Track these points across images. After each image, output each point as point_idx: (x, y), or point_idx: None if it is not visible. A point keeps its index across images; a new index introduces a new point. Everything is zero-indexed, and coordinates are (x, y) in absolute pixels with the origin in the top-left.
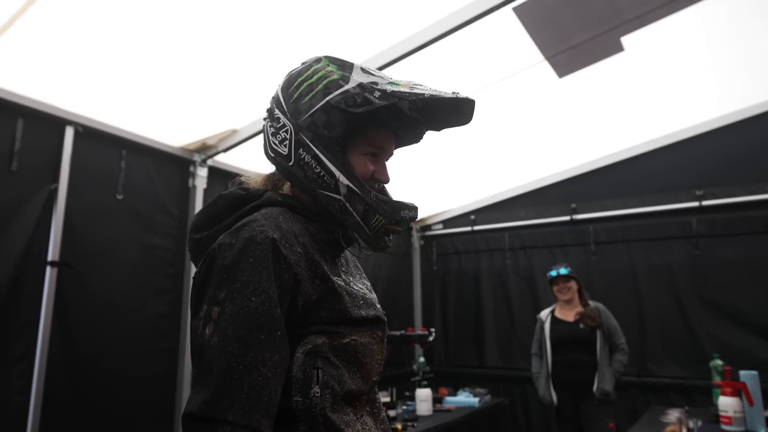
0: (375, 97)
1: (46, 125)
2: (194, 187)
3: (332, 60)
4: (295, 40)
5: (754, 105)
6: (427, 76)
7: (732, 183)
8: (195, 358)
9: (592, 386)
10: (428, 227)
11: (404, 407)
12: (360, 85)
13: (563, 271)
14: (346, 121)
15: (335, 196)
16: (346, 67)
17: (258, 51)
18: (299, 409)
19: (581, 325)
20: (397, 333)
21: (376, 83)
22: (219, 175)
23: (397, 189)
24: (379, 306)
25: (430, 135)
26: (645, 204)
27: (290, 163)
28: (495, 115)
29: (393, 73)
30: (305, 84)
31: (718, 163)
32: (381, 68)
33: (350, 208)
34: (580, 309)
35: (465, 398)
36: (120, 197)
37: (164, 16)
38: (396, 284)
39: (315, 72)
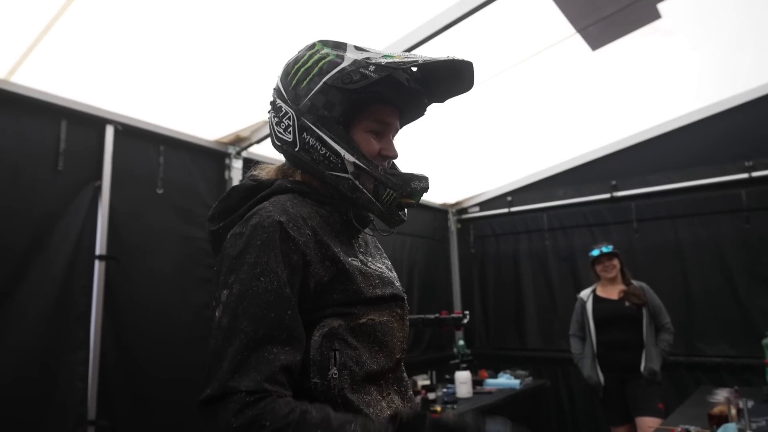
0: (370, 71)
1: (87, 125)
2: (230, 179)
3: (326, 43)
4: (321, 28)
5: None
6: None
7: None
8: (209, 343)
9: (638, 366)
10: (464, 210)
11: (444, 390)
12: (354, 62)
13: (606, 249)
14: (345, 99)
15: (343, 174)
16: (339, 47)
17: (285, 41)
18: (318, 390)
19: (626, 303)
20: (432, 316)
21: (369, 59)
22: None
23: (433, 173)
24: (398, 284)
25: (463, 117)
26: (690, 178)
27: (296, 149)
28: (528, 93)
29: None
30: (302, 69)
31: None
32: (406, 51)
33: (360, 186)
34: (623, 287)
35: (505, 380)
36: (160, 192)
37: (193, 16)
38: (433, 268)
39: (310, 57)
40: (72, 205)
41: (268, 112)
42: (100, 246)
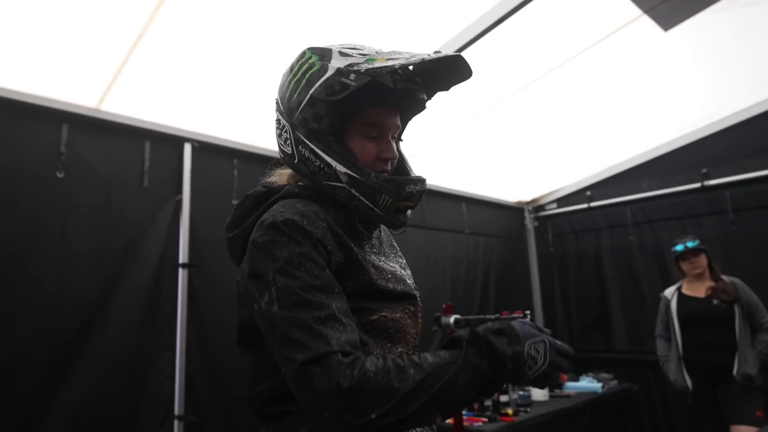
0: (351, 80)
1: (168, 144)
2: None
3: (314, 51)
4: (379, 35)
5: None
6: (519, 46)
7: None
8: (272, 343)
9: (731, 370)
10: (541, 207)
11: (519, 392)
12: (338, 71)
13: (691, 243)
14: (332, 110)
15: (338, 184)
16: (325, 55)
17: None
18: None
19: (715, 301)
20: (492, 317)
21: (352, 65)
22: None
23: (506, 170)
24: (410, 281)
25: (534, 110)
26: None
27: (296, 161)
28: (601, 80)
29: (482, 47)
30: (293, 82)
31: None
32: (472, 41)
33: (356, 194)
34: (711, 283)
35: (587, 383)
36: (235, 203)
37: (253, 38)
38: (510, 268)
39: (300, 67)
40: (156, 218)
41: (276, 120)
42: (182, 255)
